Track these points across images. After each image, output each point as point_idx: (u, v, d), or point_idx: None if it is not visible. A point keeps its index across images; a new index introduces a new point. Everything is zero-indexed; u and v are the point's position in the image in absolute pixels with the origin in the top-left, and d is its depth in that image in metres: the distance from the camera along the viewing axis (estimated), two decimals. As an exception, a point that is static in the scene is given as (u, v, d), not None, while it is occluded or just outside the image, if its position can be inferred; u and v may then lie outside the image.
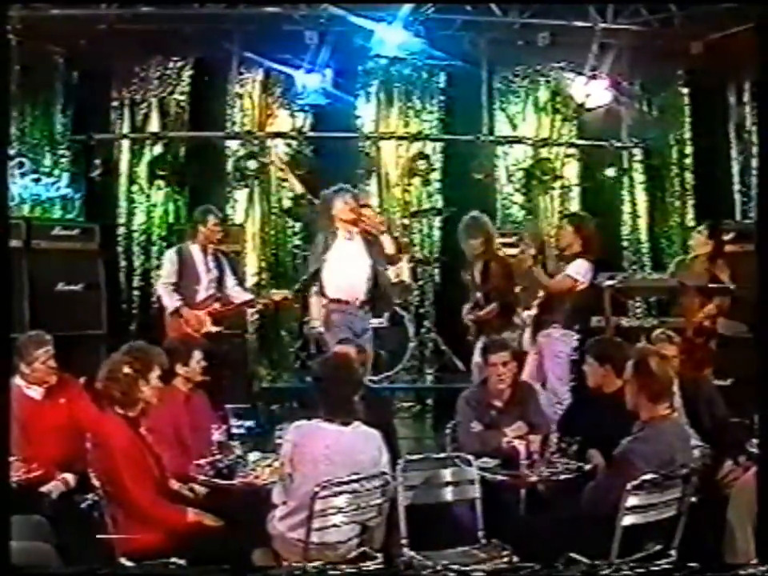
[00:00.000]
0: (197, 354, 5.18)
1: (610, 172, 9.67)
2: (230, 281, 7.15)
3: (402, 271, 8.64)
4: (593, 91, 8.83)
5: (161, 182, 9.36)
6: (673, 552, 4.13)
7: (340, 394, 4.29)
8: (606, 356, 5.05)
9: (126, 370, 4.24)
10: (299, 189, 6.99)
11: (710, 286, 6.88)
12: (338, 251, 6.47)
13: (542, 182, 9.68)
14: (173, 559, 3.98)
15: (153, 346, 4.57)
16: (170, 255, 7.14)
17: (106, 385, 4.27)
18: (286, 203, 9.57)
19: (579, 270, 6.55)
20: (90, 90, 9.17)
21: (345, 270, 6.46)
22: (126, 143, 9.38)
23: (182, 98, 9.42)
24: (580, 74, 8.86)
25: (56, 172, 8.95)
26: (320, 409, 4.29)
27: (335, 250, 6.47)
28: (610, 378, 4.97)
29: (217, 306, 6.93)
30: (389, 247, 6.59)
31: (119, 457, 4.09)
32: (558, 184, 9.75)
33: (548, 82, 9.74)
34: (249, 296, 7.29)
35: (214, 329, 6.81)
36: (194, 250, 7.02)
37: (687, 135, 9.51)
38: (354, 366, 4.64)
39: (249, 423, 6.79)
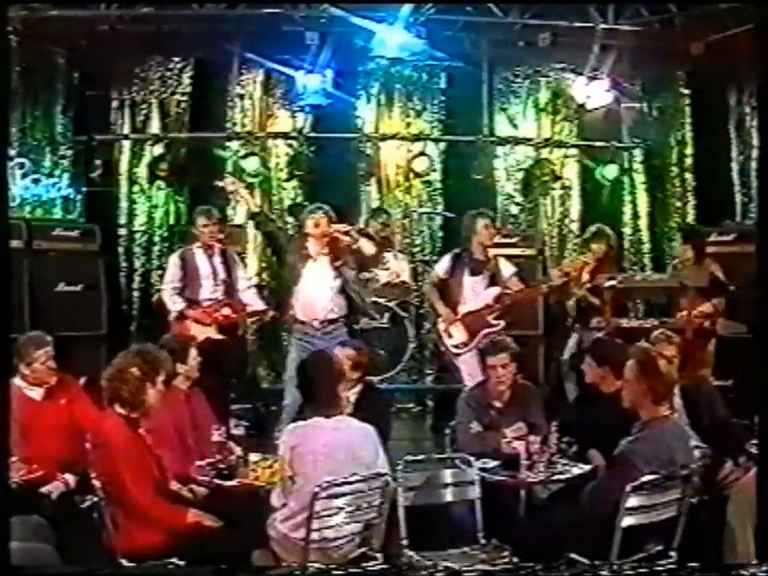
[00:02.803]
0: (193, 352, 5.20)
1: (611, 172, 9.67)
2: (241, 283, 7.10)
3: (402, 272, 8.64)
4: (593, 92, 8.84)
5: (161, 183, 9.36)
6: (673, 553, 4.14)
7: (321, 387, 4.32)
8: (604, 357, 5.06)
9: (136, 371, 4.22)
10: (253, 206, 6.90)
11: (708, 286, 6.89)
12: (306, 273, 6.38)
13: (542, 183, 9.67)
14: (173, 559, 3.98)
15: (162, 351, 4.57)
16: (173, 259, 7.16)
17: (115, 385, 4.22)
18: (287, 204, 9.59)
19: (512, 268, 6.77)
20: (91, 91, 9.17)
21: (309, 291, 6.37)
22: (126, 144, 9.38)
23: (183, 98, 9.42)
24: (580, 74, 8.86)
25: (56, 173, 8.95)
26: (305, 406, 4.36)
27: (305, 273, 6.38)
28: (609, 379, 4.98)
29: (227, 311, 6.89)
30: (368, 248, 6.56)
31: (119, 457, 4.09)
32: (558, 184, 9.74)
33: (548, 82, 9.72)
34: (262, 305, 7.19)
35: (219, 336, 6.75)
36: (197, 252, 7.04)
37: (688, 136, 9.50)
38: (332, 359, 4.70)
39: (249, 424, 6.77)
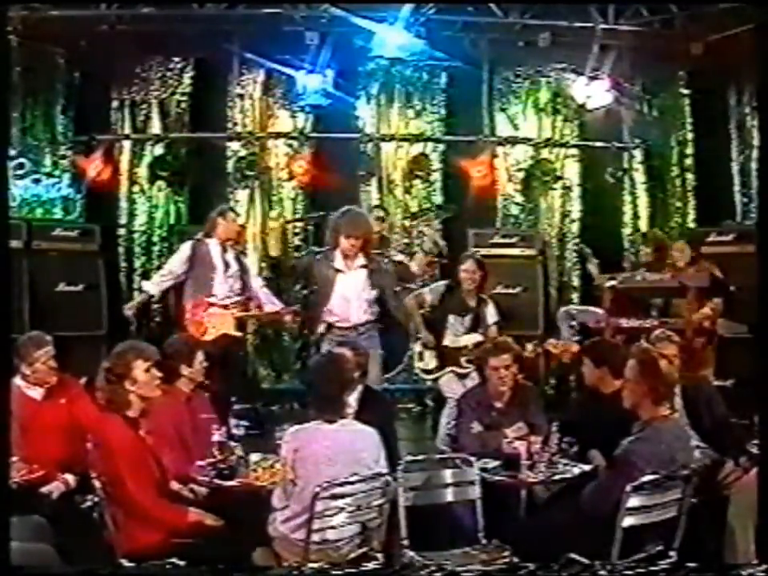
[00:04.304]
0: (200, 356, 5.18)
1: (611, 173, 9.66)
2: (255, 281, 7.09)
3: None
4: (593, 92, 8.83)
5: (161, 183, 9.37)
6: (673, 553, 4.13)
7: (329, 391, 4.30)
8: (601, 358, 5.06)
9: (109, 376, 4.26)
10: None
11: (708, 286, 6.89)
12: (339, 285, 6.34)
13: (543, 183, 9.68)
14: (173, 559, 3.98)
15: (134, 343, 4.56)
16: (184, 246, 7.05)
17: (97, 394, 4.33)
18: (287, 204, 9.59)
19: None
20: (91, 91, 9.16)
21: (344, 301, 6.33)
22: (126, 144, 9.39)
23: (183, 98, 9.42)
24: (581, 74, 8.85)
25: (57, 173, 8.95)
26: (309, 406, 4.32)
27: (338, 285, 6.33)
28: (607, 380, 4.98)
29: (249, 311, 6.91)
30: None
31: (120, 457, 4.09)
32: (558, 185, 9.74)
33: (549, 82, 9.71)
34: (279, 305, 7.13)
35: (238, 333, 6.77)
36: (211, 243, 6.95)
37: (688, 136, 9.49)
38: (345, 365, 4.62)
39: (249, 424, 6.77)
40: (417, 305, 6.94)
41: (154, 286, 7.00)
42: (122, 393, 4.24)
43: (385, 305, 6.47)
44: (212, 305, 6.78)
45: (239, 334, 6.86)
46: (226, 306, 6.82)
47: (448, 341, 6.79)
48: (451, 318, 6.80)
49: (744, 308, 6.69)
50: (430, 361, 6.83)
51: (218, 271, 6.88)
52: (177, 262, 6.97)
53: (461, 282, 6.82)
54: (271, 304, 7.09)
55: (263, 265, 9.43)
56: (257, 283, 7.10)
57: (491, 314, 6.86)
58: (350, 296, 6.32)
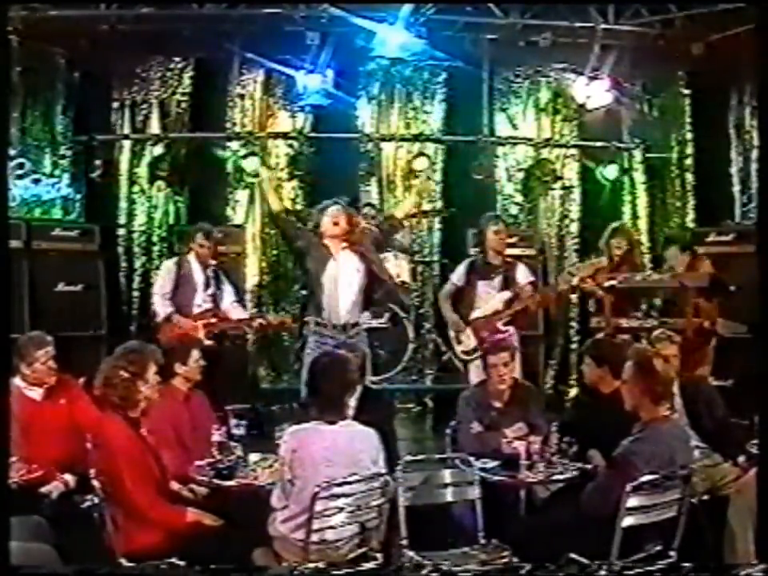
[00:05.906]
0: (195, 354, 5.20)
1: (611, 173, 9.66)
2: (227, 297, 7.20)
3: (402, 272, 8.64)
4: (594, 92, 8.83)
5: (161, 183, 9.36)
6: (673, 553, 4.13)
7: (331, 393, 4.28)
8: (602, 357, 5.06)
9: (123, 374, 4.24)
10: (277, 205, 6.65)
11: (708, 286, 6.88)
12: (328, 275, 5.94)
13: (543, 183, 9.67)
14: (173, 559, 3.98)
15: (146, 344, 4.57)
16: (169, 265, 7.26)
17: (105, 391, 4.28)
18: (287, 204, 9.59)
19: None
20: (91, 91, 9.15)
21: (332, 293, 5.93)
22: (126, 144, 9.38)
23: (183, 98, 9.41)
24: (581, 74, 8.86)
25: (56, 173, 8.94)
26: (311, 407, 4.32)
27: (326, 275, 5.94)
28: (607, 380, 4.99)
29: (214, 320, 6.97)
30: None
31: (119, 457, 4.09)
32: (558, 184, 9.73)
33: (549, 82, 9.71)
34: (245, 314, 7.35)
35: (208, 342, 6.70)
36: (192, 262, 7.12)
37: (688, 136, 9.49)
38: (348, 367, 4.56)
39: (249, 424, 6.78)
40: (447, 294, 7.00)
41: (163, 309, 7.02)
42: (135, 391, 4.25)
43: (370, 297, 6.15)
44: (185, 317, 6.92)
45: (210, 342, 6.72)
46: (194, 318, 6.93)
47: (479, 312, 6.75)
48: (481, 287, 6.81)
49: (744, 308, 6.68)
50: (467, 340, 6.75)
51: (198, 289, 7.05)
52: (165, 283, 7.09)
53: (487, 245, 6.86)
54: (238, 314, 7.18)
55: (263, 266, 9.43)
56: (228, 299, 7.20)
57: (523, 273, 6.86)
58: (339, 287, 5.93)
